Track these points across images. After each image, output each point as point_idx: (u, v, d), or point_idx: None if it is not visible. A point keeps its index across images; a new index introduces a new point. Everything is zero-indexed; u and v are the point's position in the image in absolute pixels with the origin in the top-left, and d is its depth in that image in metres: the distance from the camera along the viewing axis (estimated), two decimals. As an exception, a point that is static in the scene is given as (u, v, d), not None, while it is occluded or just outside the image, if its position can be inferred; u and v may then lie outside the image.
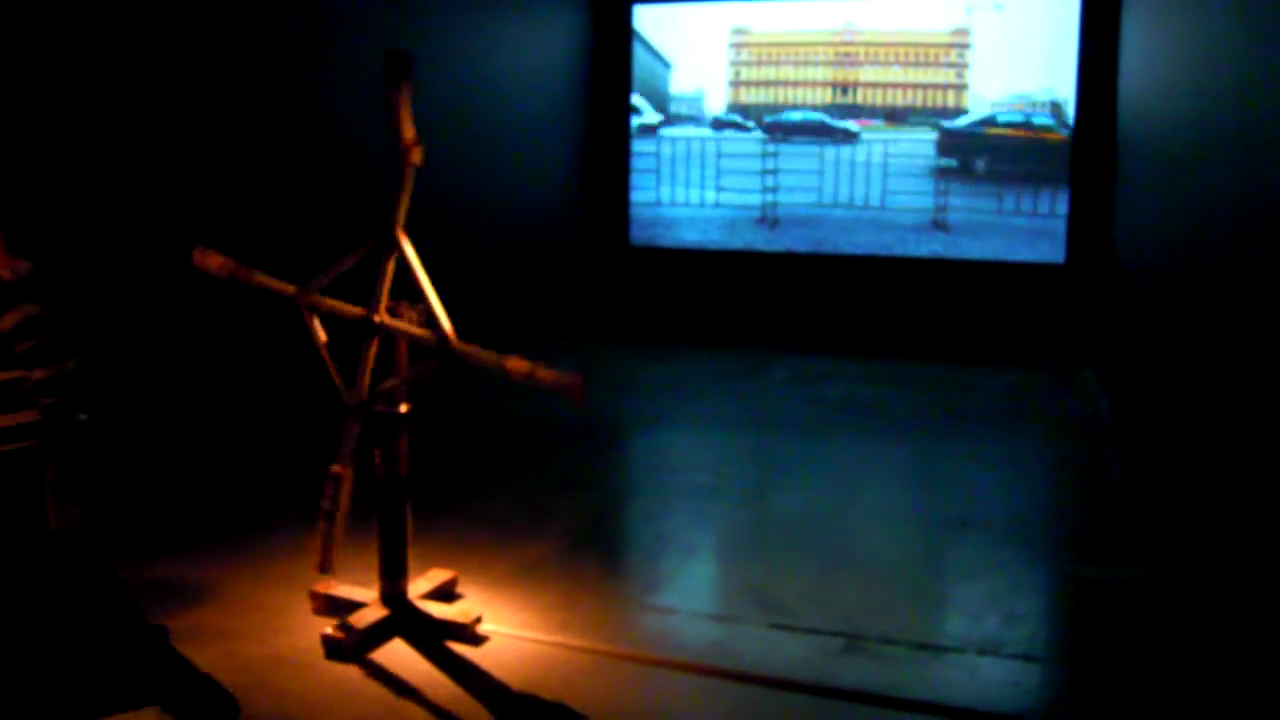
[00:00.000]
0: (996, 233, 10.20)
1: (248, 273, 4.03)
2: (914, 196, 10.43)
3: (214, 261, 4.03)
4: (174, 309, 5.82)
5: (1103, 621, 4.20)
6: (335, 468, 3.96)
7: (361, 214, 6.34)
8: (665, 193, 11.10)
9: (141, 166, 5.68)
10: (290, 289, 4.05)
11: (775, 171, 10.80)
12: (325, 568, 3.97)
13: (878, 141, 10.57)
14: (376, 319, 4.03)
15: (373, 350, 4.05)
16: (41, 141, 5.10)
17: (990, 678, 3.84)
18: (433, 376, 4.13)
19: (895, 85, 10.52)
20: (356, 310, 4.05)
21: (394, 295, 4.12)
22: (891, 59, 10.50)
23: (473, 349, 3.94)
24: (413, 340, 4.05)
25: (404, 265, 4.06)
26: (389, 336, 4.07)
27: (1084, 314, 9.58)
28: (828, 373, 9.13)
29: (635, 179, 11.13)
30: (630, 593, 4.68)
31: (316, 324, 4.08)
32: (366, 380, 4.03)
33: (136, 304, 5.59)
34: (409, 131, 4.11)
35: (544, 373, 3.89)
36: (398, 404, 4.15)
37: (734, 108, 10.95)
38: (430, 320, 3.99)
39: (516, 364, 3.88)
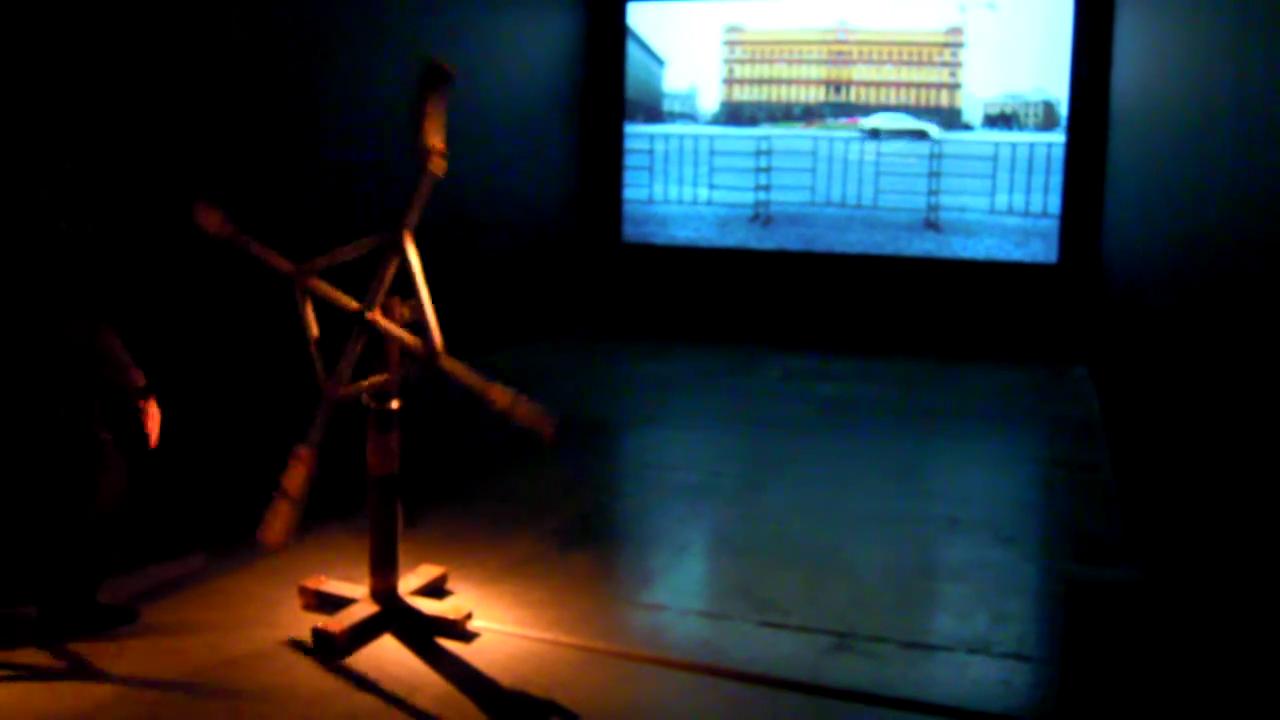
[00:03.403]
0: (989, 232, 10.22)
1: (245, 239, 4.02)
2: (906, 196, 10.44)
3: (213, 220, 4.01)
4: (166, 301, 5.81)
5: (1092, 620, 4.21)
6: (300, 449, 3.94)
7: (358, 213, 6.35)
8: (658, 190, 11.10)
9: (143, 165, 5.66)
10: (288, 265, 4.04)
11: (768, 170, 10.80)
12: (270, 540, 3.90)
13: (870, 140, 10.58)
14: (369, 316, 4.02)
15: (358, 346, 4.04)
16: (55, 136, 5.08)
17: (980, 676, 3.85)
18: (421, 376, 4.12)
19: (889, 84, 10.53)
20: (351, 303, 4.04)
21: (392, 291, 4.11)
22: (885, 58, 10.51)
23: (460, 367, 3.93)
24: (402, 347, 4.03)
25: (405, 269, 4.04)
26: (377, 336, 4.05)
27: (1075, 313, 9.61)
28: (819, 371, 9.14)
29: (628, 176, 11.12)
30: (621, 590, 4.68)
31: (309, 307, 4.06)
32: (345, 375, 4.01)
33: (133, 301, 5.56)
34: (438, 142, 4.11)
35: (523, 409, 3.90)
36: (389, 400, 4.15)
37: (728, 105, 10.95)
38: (421, 328, 3.97)
39: (499, 394, 3.88)
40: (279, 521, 3.88)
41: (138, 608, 4.17)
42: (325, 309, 4.07)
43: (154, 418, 3.94)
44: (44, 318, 3.79)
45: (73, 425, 3.87)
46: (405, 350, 4.03)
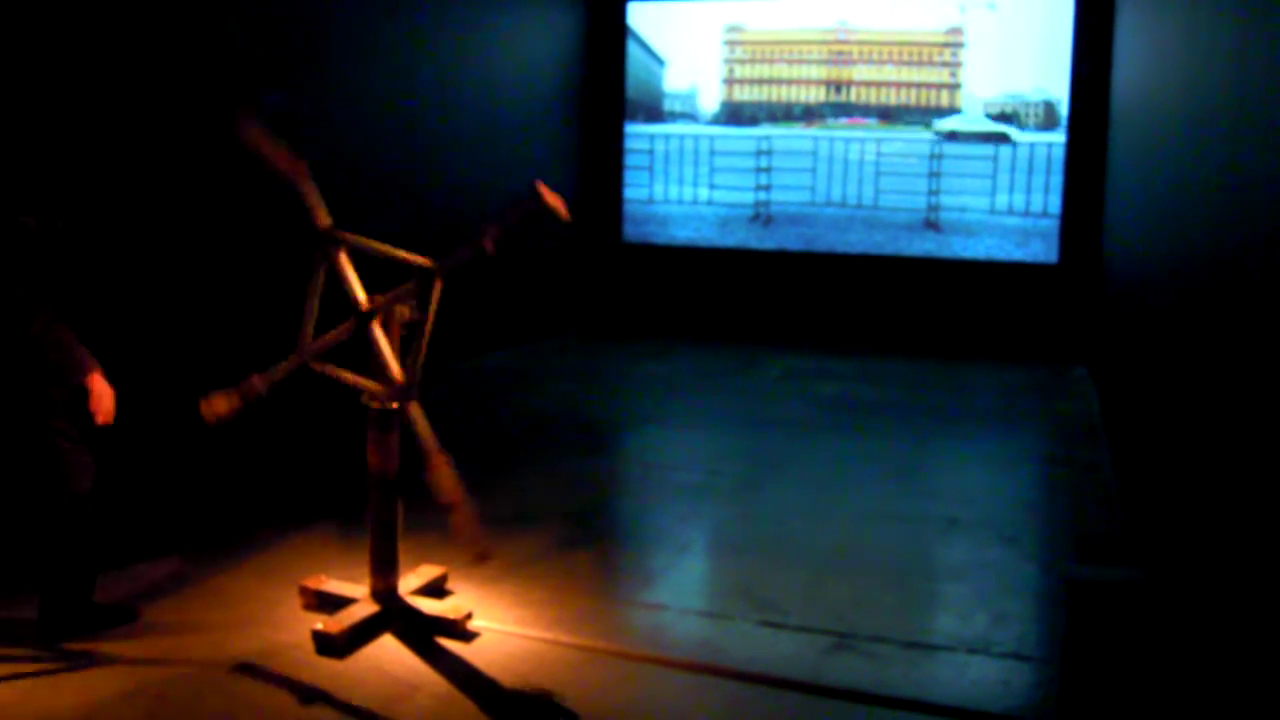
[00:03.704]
0: (989, 232, 10.22)
1: (258, 386, 4.07)
2: (906, 196, 10.44)
3: (223, 405, 4.09)
4: (169, 308, 5.81)
5: (1092, 620, 4.21)
6: (435, 456, 3.92)
7: (349, 213, 6.31)
8: (659, 190, 11.10)
9: (132, 163, 5.67)
10: (325, 220, 4.04)
11: (769, 169, 10.80)
12: (206, 411, 4.05)
13: (871, 140, 10.58)
14: (365, 307, 4.02)
15: (380, 334, 4.03)
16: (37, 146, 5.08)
17: (980, 676, 3.84)
18: (425, 372, 4.12)
19: (889, 84, 10.53)
20: (362, 298, 4.04)
21: (376, 289, 4.10)
22: (885, 58, 10.51)
23: (421, 419, 3.93)
24: (404, 299, 4.01)
25: (424, 301, 4.03)
26: (387, 316, 4.05)
27: (1076, 313, 9.60)
28: (819, 371, 9.14)
29: (629, 176, 11.12)
30: (621, 589, 4.68)
31: (321, 273, 4.07)
32: (394, 362, 4.00)
33: (131, 303, 5.57)
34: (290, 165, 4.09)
35: (454, 492, 3.85)
36: (389, 400, 4.14)
37: (728, 105, 10.95)
38: (411, 352, 3.98)
39: (441, 465, 3.85)
40: (218, 401, 4.03)
41: (137, 607, 4.17)
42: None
43: (101, 395, 3.87)
44: (10, 312, 3.78)
45: (34, 416, 3.85)
46: (407, 341, 4.03)
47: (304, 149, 4.00)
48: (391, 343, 4.10)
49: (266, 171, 3.97)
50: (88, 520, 3.95)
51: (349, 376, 4.09)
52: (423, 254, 4.06)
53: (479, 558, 3.94)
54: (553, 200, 3.83)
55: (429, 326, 3.97)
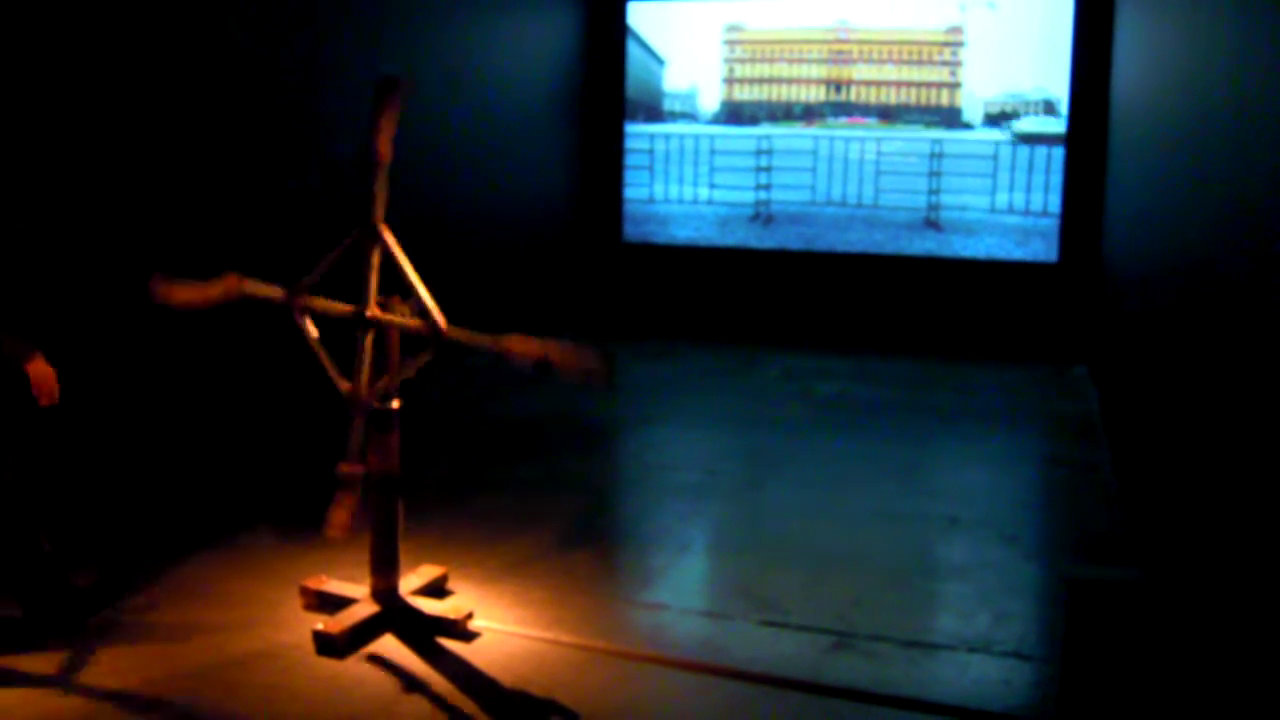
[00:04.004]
0: (989, 231, 10.22)
1: (232, 286, 4.04)
2: (907, 195, 10.44)
3: (182, 295, 4.04)
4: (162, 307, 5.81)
5: (1093, 620, 4.21)
6: (344, 466, 3.95)
7: (342, 216, 6.30)
8: (659, 189, 11.10)
9: (121, 162, 5.67)
10: (279, 293, 4.06)
11: (769, 169, 10.80)
12: (332, 531, 3.96)
13: (871, 139, 10.58)
14: (368, 314, 4.02)
15: (368, 345, 4.05)
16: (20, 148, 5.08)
17: (981, 675, 3.85)
18: (424, 372, 4.12)
19: (889, 83, 10.53)
20: (346, 308, 4.05)
21: (384, 290, 4.11)
22: (885, 57, 10.51)
23: (467, 334, 3.95)
24: (405, 332, 4.05)
25: (389, 258, 4.06)
26: (382, 331, 4.07)
27: (1076, 312, 9.60)
28: (820, 370, 9.14)
29: (628, 175, 11.12)
30: (621, 589, 4.69)
31: (309, 324, 4.08)
32: (365, 376, 4.02)
33: (127, 300, 5.57)
34: (385, 150, 4.12)
35: (558, 354, 3.86)
36: (390, 400, 4.15)
37: (728, 105, 10.94)
38: (421, 311, 3.99)
39: (519, 344, 3.88)
40: (342, 513, 3.93)
41: (117, 590, 4.19)
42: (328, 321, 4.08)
43: (41, 377, 3.86)
44: None
45: None
46: (410, 341, 4.04)
47: (295, 152, 3.99)
48: (390, 347, 4.11)
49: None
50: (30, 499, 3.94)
51: (324, 356, 4.09)
52: (423, 253, 4.07)
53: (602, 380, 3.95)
54: (603, 375, 3.85)
55: (411, 271, 3.99)
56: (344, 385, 4.02)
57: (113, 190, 5.53)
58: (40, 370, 3.85)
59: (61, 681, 3.67)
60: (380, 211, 4.12)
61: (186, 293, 4.08)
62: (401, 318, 4.04)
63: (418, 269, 4.08)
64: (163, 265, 4.24)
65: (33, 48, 5.07)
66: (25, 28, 5.03)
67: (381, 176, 4.12)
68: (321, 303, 4.07)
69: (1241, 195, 3.59)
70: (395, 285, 4.08)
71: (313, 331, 4.08)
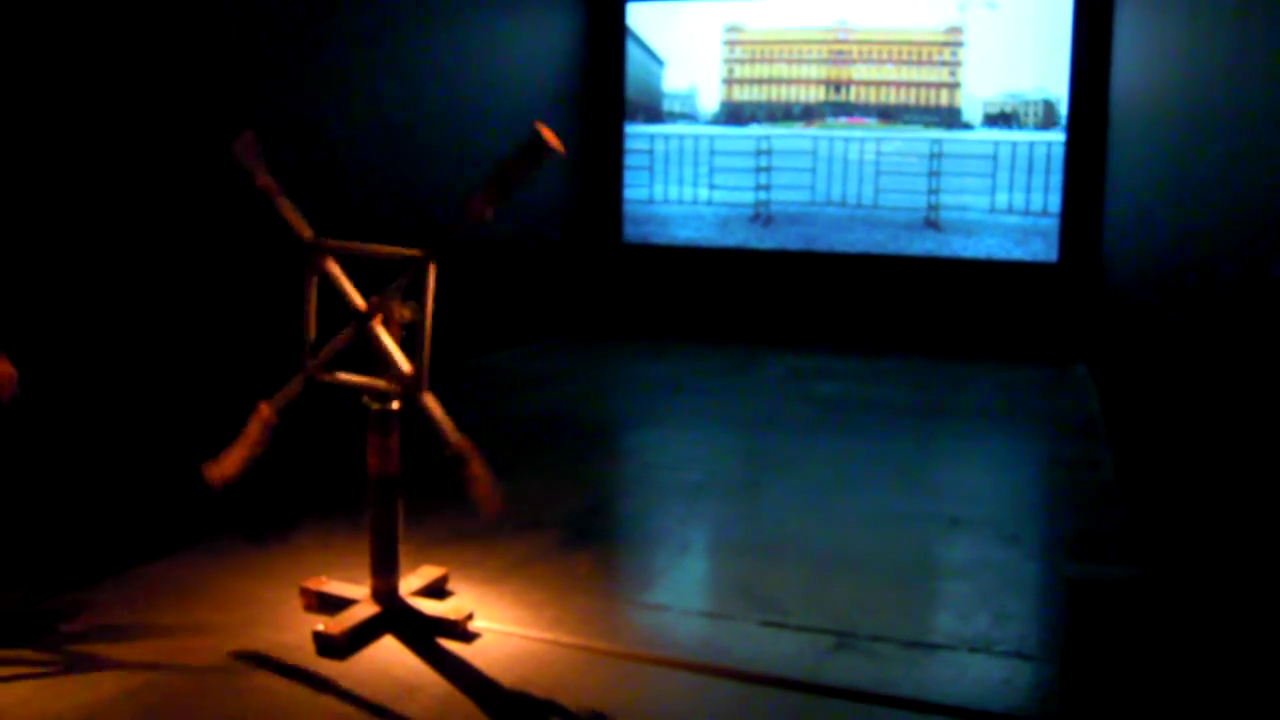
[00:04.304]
0: (989, 231, 10.22)
1: (272, 417, 4.08)
2: (906, 195, 10.44)
3: (251, 153, 4.04)
4: (163, 302, 5.81)
5: (1094, 619, 4.21)
6: (262, 404, 4.01)
7: (347, 214, 6.33)
8: (658, 190, 11.10)
9: (119, 163, 5.67)
10: (307, 232, 4.05)
11: (768, 169, 10.80)
12: (215, 475, 4.07)
13: (870, 139, 10.58)
14: (364, 310, 4.02)
15: (383, 333, 4.03)
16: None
17: (981, 676, 3.84)
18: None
19: (889, 83, 10.53)
20: (360, 301, 4.04)
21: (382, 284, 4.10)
22: (885, 57, 10.51)
23: (437, 408, 3.92)
24: (404, 284, 4.01)
25: (419, 289, 4.02)
26: (388, 315, 4.06)
27: (1076, 312, 9.60)
28: (820, 370, 9.14)
29: (628, 176, 11.12)
30: (622, 590, 4.68)
31: (314, 284, 4.07)
32: (401, 358, 4.00)
33: (127, 298, 5.57)
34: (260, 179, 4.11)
35: (477, 468, 3.85)
36: (390, 401, 4.14)
37: (728, 105, 10.95)
38: (415, 348, 3.98)
39: (460, 442, 3.86)
40: (229, 461, 4.03)
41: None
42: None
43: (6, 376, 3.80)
44: None
45: None
46: (408, 341, 4.03)
47: (293, 152, 3.99)
48: (389, 351, 4.10)
49: (245, 189, 3.99)
50: None
51: (358, 379, 4.09)
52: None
53: (493, 516, 3.93)
54: (552, 140, 3.80)
55: (429, 315, 3.96)
56: (390, 387, 4.00)
57: (94, 192, 5.53)
58: (4, 369, 3.80)
59: (62, 682, 3.67)
60: (303, 226, 4.08)
61: (235, 460, 4.09)
62: (393, 348, 4.01)
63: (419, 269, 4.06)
64: (161, 268, 4.24)
65: (22, 54, 5.07)
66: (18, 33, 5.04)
67: (280, 199, 4.08)
68: (340, 273, 4.08)
69: (1241, 194, 3.59)
70: (377, 285, 4.07)
71: (313, 295, 4.08)
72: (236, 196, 6.25)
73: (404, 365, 3.97)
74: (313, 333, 4.09)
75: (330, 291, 4.07)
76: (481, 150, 9.00)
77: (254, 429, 4.08)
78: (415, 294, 4.02)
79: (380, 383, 4.04)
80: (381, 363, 4.05)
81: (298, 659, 3.88)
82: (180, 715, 3.52)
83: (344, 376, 4.11)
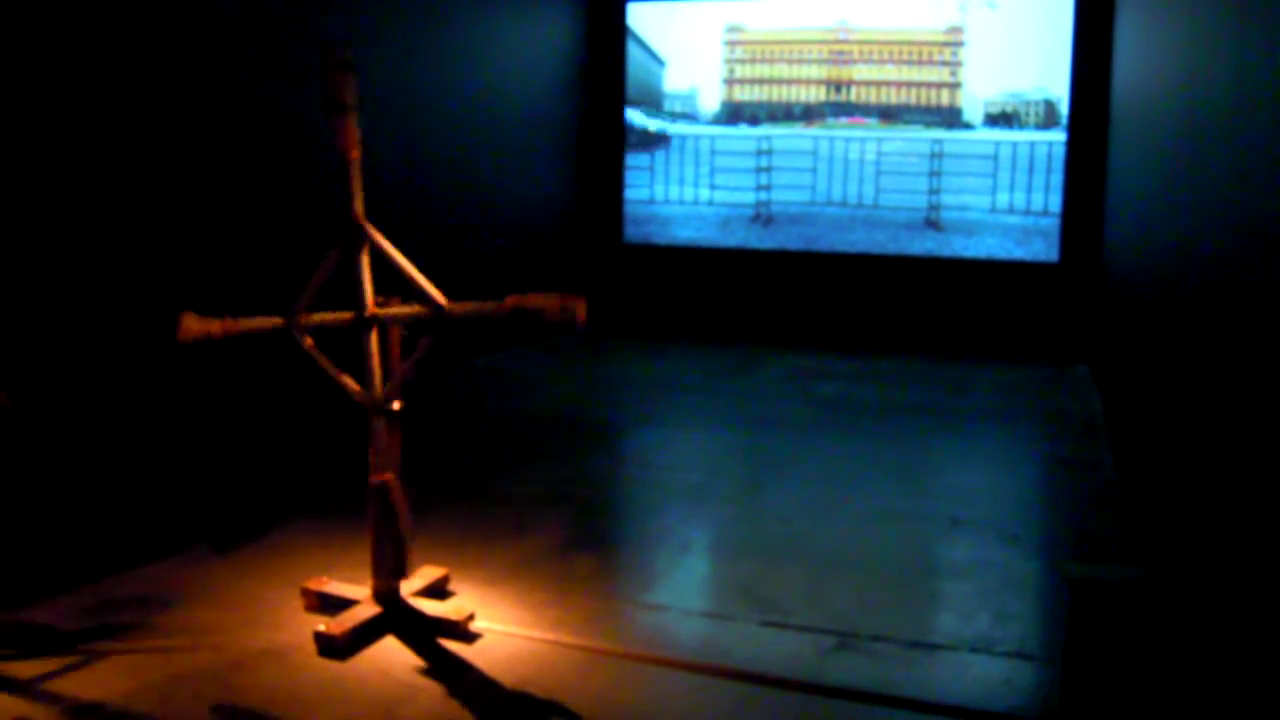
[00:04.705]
0: (990, 231, 10.22)
1: (235, 325, 4.05)
2: (907, 195, 10.43)
3: (195, 326, 4.02)
4: (162, 307, 5.81)
5: (1096, 620, 4.21)
6: (377, 477, 3.98)
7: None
8: (659, 190, 11.10)
9: (118, 164, 5.67)
10: (278, 321, 4.07)
11: (769, 169, 10.80)
12: (400, 573, 4.10)
13: (871, 139, 10.58)
14: (368, 313, 4.03)
15: (374, 345, 4.05)
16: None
17: (982, 676, 3.84)
18: (426, 373, 4.12)
19: (889, 83, 10.53)
20: (346, 315, 4.06)
21: (382, 290, 4.12)
22: (886, 57, 10.51)
23: (469, 306, 3.96)
24: (404, 323, 4.05)
25: (379, 253, 4.05)
26: (384, 330, 4.07)
27: (1077, 312, 9.60)
28: (820, 371, 9.14)
29: (629, 176, 11.12)
30: (623, 590, 4.68)
31: (310, 342, 4.09)
32: (378, 376, 4.03)
33: (125, 302, 5.57)
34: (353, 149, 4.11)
35: (537, 299, 3.91)
36: (392, 401, 4.15)
37: (729, 105, 10.95)
38: (420, 296, 3.99)
39: (511, 300, 3.90)
40: (403, 556, 4.11)
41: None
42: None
43: None
44: None
45: None
46: (410, 341, 4.05)
47: (294, 152, 3.99)
48: (391, 346, 4.12)
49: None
50: None
51: (331, 368, 4.10)
52: (424, 255, 4.06)
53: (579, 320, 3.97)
54: (580, 315, 3.93)
55: (414, 357, 4.00)
56: (356, 390, 4.03)
57: (92, 198, 5.53)
58: None
59: (63, 682, 3.67)
60: (360, 208, 4.11)
61: (198, 325, 4.06)
62: (402, 307, 4.05)
63: (418, 271, 4.08)
64: (160, 268, 4.24)
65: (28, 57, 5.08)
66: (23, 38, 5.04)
67: (355, 173, 4.10)
68: (320, 317, 4.08)
69: (1242, 194, 3.59)
70: (393, 285, 4.08)
71: (318, 354, 4.10)
72: (237, 197, 6.25)
73: (376, 384, 4.01)
74: (312, 295, 4.08)
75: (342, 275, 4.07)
76: (483, 150, 9.01)
77: (215, 326, 4.05)
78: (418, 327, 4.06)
79: (350, 384, 4.06)
80: (391, 360, 4.10)
81: (298, 659, 3.88)
82: (181, 715, 3.52)
83: (321, 357, 4.09)
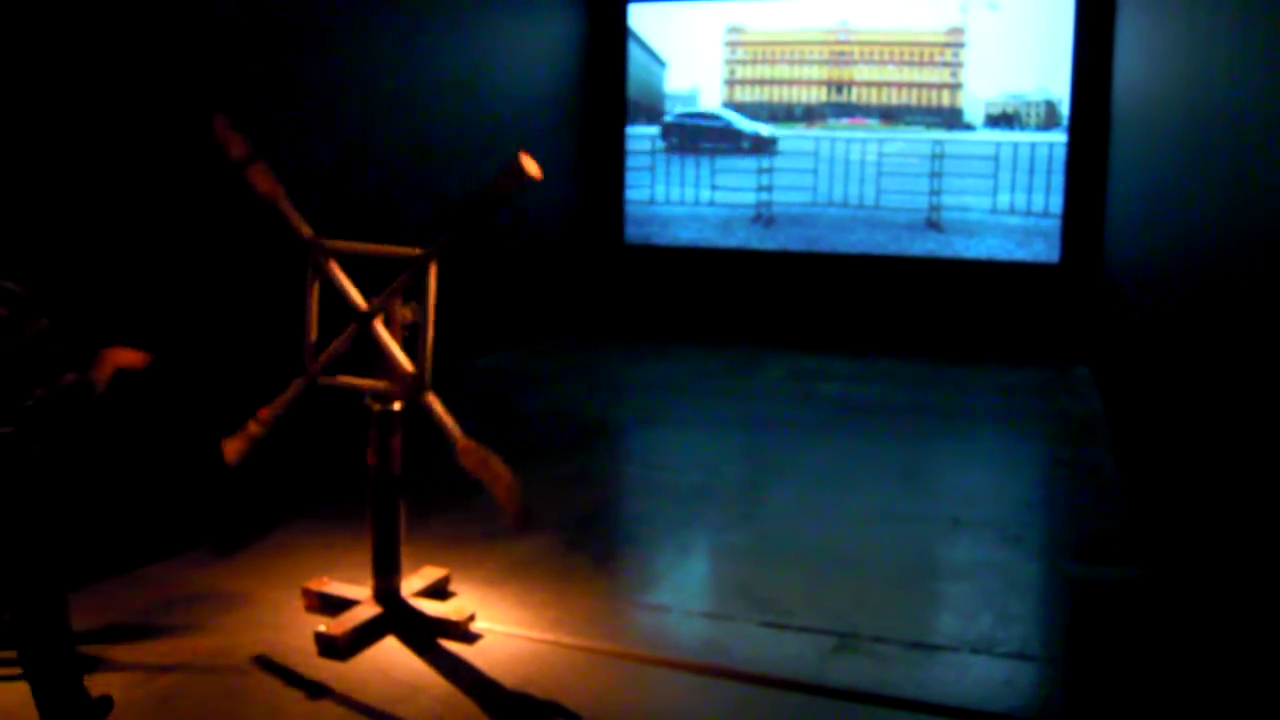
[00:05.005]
0: (990, 232, 10.21)
1: (269, 413, 4.09)
2: (908, 196, 10.43)
3: (238, 147, 3.98)
4: (163, 309, 5.81)
5: (1096, 620, 4.21)
6: (263, 412, 4.09)
7: (351, 214, 6.33)
8: (660, 191, 11.10)
9: (121, 168, 5.67)
10: (307, 231, 4.05)
11: (770, 170, 10.80)
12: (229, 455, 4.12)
13: (872, 140, 10.58)
14: (363, 310, 4.02)
15: (347, 332, 4.04)
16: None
17: (983, 676, 3.84)
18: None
19: (890, 84, 10.53)
20: (360, 301, 4.04)
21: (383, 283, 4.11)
22: (886, 58, 10.51)
23: (440, 407, 3.93)
24: (391, 363, 4.02)
25: (421, 290, 4.01)
26: (369, 340, 4.06)
27: (1078, 313, 9.59)
28: (821, 371, 9.13)
29: (630, 177, 11.12)
30: (623, 591, 4.68)
31: (316, 285, 4.08)
32: (403, 358, 4.01)
33: (127, 306, 5.57)
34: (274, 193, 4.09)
35: (495, 466, 3.85)
36: (391, 402, 4.14)
37: (730, 106, 10.95)
38: (417, 346, 3.98)
39: (467, 448, 3.85)
40: (229, 449, 4.12)
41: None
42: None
43: (126, 360, 3.58)
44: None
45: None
46: (410, 344, 4.03)
47: (294, 153, 3.99)
48: (392, 353, 4.11)
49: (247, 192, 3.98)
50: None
51: (361, 382, 4.10)
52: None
53: (520, 521, 3.89)
54: (533, 170, 3.85)
55: (431, 314, 3.96)
56: (409, 368, 3.99)
57: (93, 195, 5.54)
58: (121, 358, 3.57)
59: (64, 684, 3.67)
60: (304, 226, 4.08)
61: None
62: (395, 348, 4.01)
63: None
64: (159, 272, 4.24)
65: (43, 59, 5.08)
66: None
67: (286, 208, 4.05)
68: (341, 274, 4.08)
69: (1243, 194, 3.59)
70: (380, 282, 4.07)
71: (315, 296, 4.09)
72: (236, 200, 6.25)
73: (406, 365, 3.97)
74: (314, 334, 4.10)
75: (332, 293, 4.07)
76: (485, 151, 9.00)
77: (253, 428, 4.13)
78: (415, 294, 4.03)
79: (382, 384, 4.04)
80: (382, 364, 4.06)
81: (299, 660, 3.88)
82: (182, 715, 3.52)
83: (345, 379, 4.11)
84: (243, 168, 4.00)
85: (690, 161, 11.00)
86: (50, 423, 3.26)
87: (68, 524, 3.85)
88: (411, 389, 3.97)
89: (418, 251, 3.94)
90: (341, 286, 4.07)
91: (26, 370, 3.23)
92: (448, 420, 3.91)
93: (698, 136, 11.02)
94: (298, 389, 4.10)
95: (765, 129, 10.78)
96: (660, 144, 11.06)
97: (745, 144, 10.91)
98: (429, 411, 3.93)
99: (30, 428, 3.21)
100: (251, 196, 4.07)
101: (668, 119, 11.06)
